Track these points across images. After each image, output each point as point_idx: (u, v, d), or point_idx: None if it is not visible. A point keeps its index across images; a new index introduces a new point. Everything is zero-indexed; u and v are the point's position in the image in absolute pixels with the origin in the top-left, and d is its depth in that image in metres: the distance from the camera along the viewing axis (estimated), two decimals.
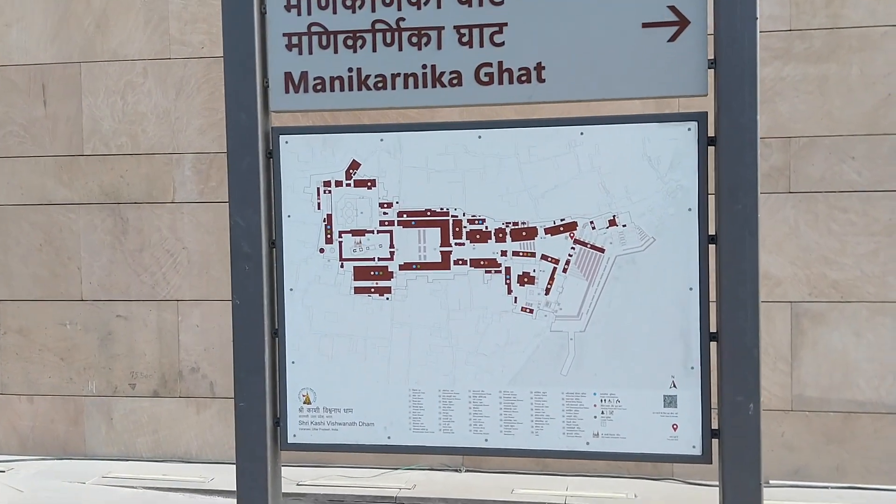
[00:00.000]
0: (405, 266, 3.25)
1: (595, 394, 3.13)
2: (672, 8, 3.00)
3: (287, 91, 3.28)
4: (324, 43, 3.25)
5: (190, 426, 5.96)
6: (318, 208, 3.30)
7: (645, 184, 3.06)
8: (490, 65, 3.14)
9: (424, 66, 3.19)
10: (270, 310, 3.32)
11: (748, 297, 2.95)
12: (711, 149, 3.03)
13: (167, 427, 5.99)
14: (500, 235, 3.17)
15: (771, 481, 5.25)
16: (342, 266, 3.29)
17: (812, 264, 5.27)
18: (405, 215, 3.24)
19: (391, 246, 3.25)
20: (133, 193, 5.96)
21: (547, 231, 3.14)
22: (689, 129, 3.03)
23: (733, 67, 2.93)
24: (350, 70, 3.24)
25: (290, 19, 3.26)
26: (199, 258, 5.90)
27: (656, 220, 3.06)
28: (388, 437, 3.29)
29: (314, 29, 3.25)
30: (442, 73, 3.18)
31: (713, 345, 3.05)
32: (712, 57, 2.99)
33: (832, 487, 5.25)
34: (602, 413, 3.13)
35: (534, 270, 3.16)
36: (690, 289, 3.05)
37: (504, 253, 3.17)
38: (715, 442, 3.06)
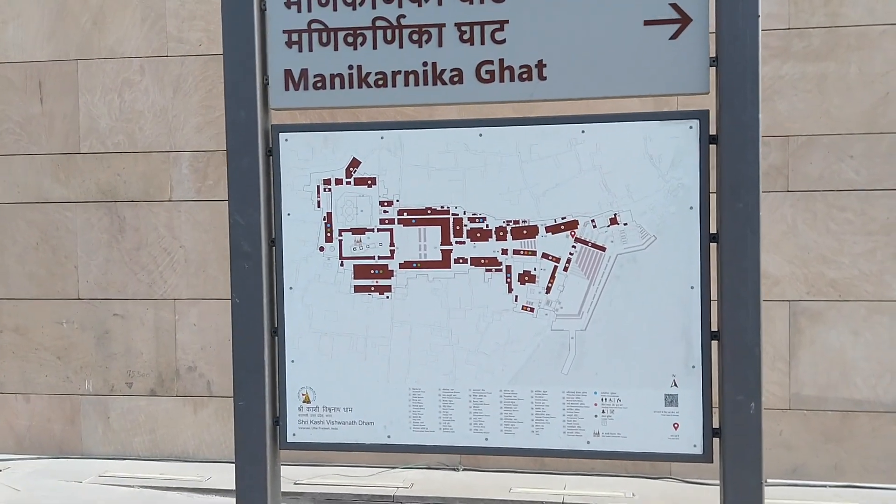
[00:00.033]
0: (405, 265, 3.23)
1: (596, 393, 3.12)
2: (674, 5, 2.99)
3: (287, 88, 3.27)
4: (324, 40, 3.23)
5: (187, 425, 5.95)
6: (318, 206, 3.28)
7: (646, 182, 3.05)
8: (491, 62, 3.13)
9: (425, 64, 3.17)
10: (270, 308, 3.31)
11: (749, 296, 2.95)
12: (713, 147, 3.02)
13: (164, 426, 5.98)
14: (501, 234, 3.16)
15: (769, 480, 5.25)
16: (342, 265, 3.28)
17: (810, 263, 5.27)
18: (405, 213, 3.23)
19: (391, 244, 3.24)
20: (130, 192, 5.94)
21: (548, 229, 3.13)
22: (691, 128, 3.02)
23: (735, 65, 2.92)
24: (350, 67, 3.22)
25: (290, 16, 3.25)
26: (197, 257, 5.88)
27: (657, 218, 3.05)
28: (388, 437, 3.28)
29: (314, 26, 3.24)
30: (443, 71, 3.16)
31: (714, 343, 3.04)
32: (714, 55, 2.98)
33: (830, 486, 5.26)
34: (603, 412, 3.12)
35: (534, 269, 3.15)
36: (692, 287, 3.04)
37: (505, 251, 3.16)
38: (716, 441, 3.06)
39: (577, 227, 3.10)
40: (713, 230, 3.03)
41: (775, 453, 5.28)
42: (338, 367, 3.29)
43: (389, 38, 3.19)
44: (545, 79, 3.09)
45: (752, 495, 2.96)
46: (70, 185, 5.99)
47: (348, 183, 3.26)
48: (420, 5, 3.16)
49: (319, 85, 3.25)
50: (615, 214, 3.08)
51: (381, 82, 3.21)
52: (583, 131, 3.09)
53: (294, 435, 3.34)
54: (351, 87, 3.23)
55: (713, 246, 3.03)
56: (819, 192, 5.25)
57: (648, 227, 3.06)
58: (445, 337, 3.21)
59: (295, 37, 3.25)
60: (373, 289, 3.26)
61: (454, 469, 5.58)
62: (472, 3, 3.11)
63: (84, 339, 6.02)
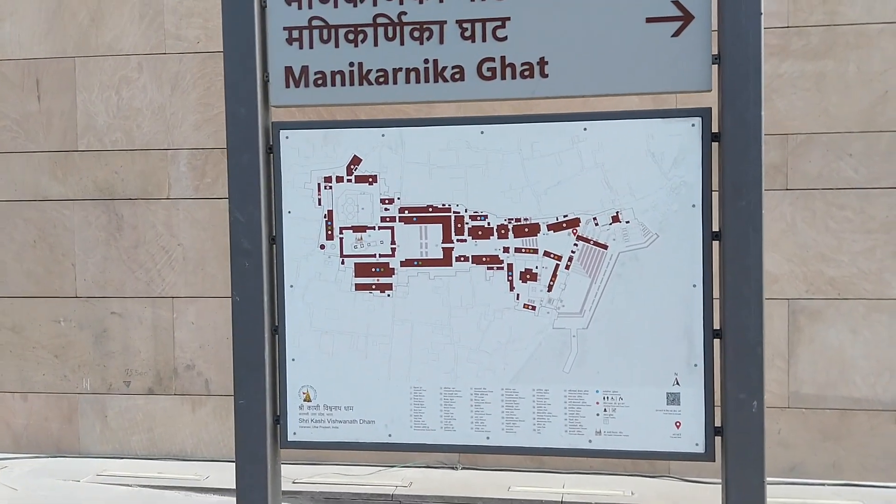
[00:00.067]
0: (406, 263, 3.23)
1: (598, 391, 3.12)
2: (676, 3, 2.98)
3: (287, 86, 3.26)
4: (325, 37, 3.22)
5: (185, 424, 5.93)
6: (319, 204, 3.27)
7: (648, 180, 3.05)
8: (493, 59, 3.12)
9: (426, 61, 3.17)
10: (270, 307, 3.30)
11: (752, 294, 2.94)
12: (715, 145, 3.01)
13: (162, 425, 5.96)
14: (503, 232, 3.15)
15: (767, 478, 5.24)
16: (343, 262, 3.27)
17: (809, 261, 5.27)
18: (407, 211, 3.22)
19: (392, 242, 3.23)
20: (128, 189, 5.92)
21: (550, 227, 3.12)
22: (693, 125, 3.01)
23: (738, 63, 2.92)
24: (351, 65, 3.21)
25: (291, 13, 3.24)
26: (195, 255, 5.87)
27: (660, 216, 3.05)
28: (389, 435, 3.27)
29: (315, 23, 3.23)
30: (444, 68, 3.15)
31: (716, 342, 3.04)
32: (716, 52, 2.98)
33: (828, 484, 5.25)
34: (605, 411, 3.12)
35: (536, 267, 3.14)
36: (694, 286, 3.04)
37: (506, 249, 3.16)
38: (718, 440, 3.05)
39: (578, 225, 3.10)
40: (715, 228, 3.03)
41: (774, 451, 5.27)
42: (339, 366, 3.28)
43: (390, 35, 3.19)
44: (547, 76, 3.09)
45: (755, 494, 2.96)
46: (67, 182, 5.97)
47: (349, 180, 3.25)
48: (421, 2, 3.15)
49: (320, 82, 3.24)
50: (617, 212, 3.07)
51: (382, 79, 3.20)
52: (585, 129, 3.09)
53: (295, 434, 3.33)
54: (352, 84, 3.22)
55: (715, 244, 3.03)
56: (818, 191, 5.25)
57: (650, 225, 3.05)
58: (447, 335, 3.21)
59: (295, 34, 3.24)
60: (374, 287, 3.25)
61: (453, 468, 5.58)
62: (473, 0, 3.10)
63: (82, 337, 6.00)
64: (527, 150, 3.13)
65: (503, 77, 3.12)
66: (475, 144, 3.17)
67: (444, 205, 3.19)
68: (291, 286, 3.30)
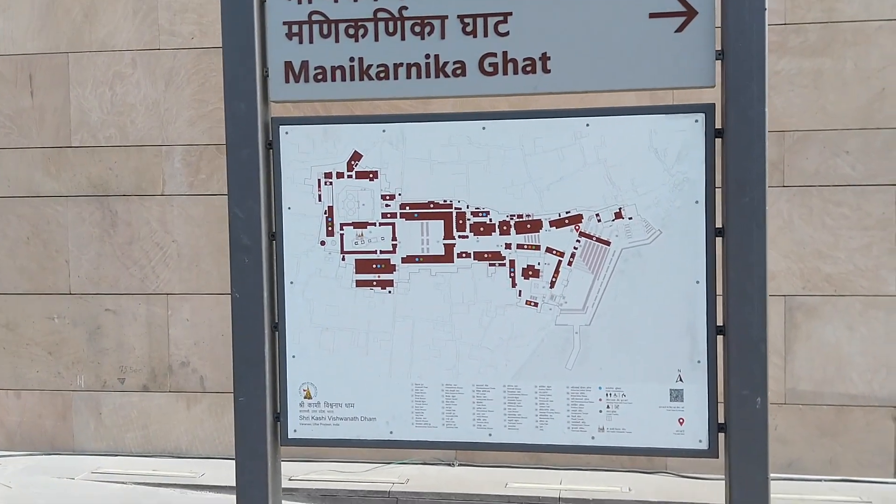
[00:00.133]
0: (408, 259, 3.21)
1: (600, 388, 3.11)
2: None
3: (287, 81, 3.24)
4: (325, 32, 3.20)
5: (180, 421, 5.91)
6: (319, 200, 3.25)
7: (651, 176, 3.04)
8: (494, 55, 3.11)
9: (427, 56, 3.15)
10: (270, 303, 3.28)
11: (755, 291, 2.94)
12: (718, 141, 3.00)
13: (157, 422, 5.93)
14: (505, 228, 3.14)
15: None
16: (343, 259, 3.25)
17: (806, 258, 5.27)
18: (408, 207, 3.20)
19: (393, 238, 3.21)
20: (122, 186, 5.88)
21: (552, 224, 3.11)
22: (697, 121, 3.00)
23: (741, 59, 2.91)
24: (351, 59, 3.19)
25: (291, 7, 3.22)
26: (189, 251, 5.84)
27: (663, 212, 3.04)
28: (391, 432, 3.26)
29: (315, 17, 3.21)
30: (445, 63, 3.14)
31: (720, 338, 3.03)
32: (720, 48, 2.96)
33: (825, 480, 5.26)
34: (608, 407, 3.11)
35: (538, 263, 3.13)
36: (697, 282, 3.03)
37: (508, 246, 3.14)
38: (721, 436, 3.05)
39: (581, 221, 3.09)
40: (719, 224, 3.02)
41: (771, 448, 5.16)
42: (339, 363, 3.27)
43: (391, 29, 3.17)
44: (549, 71, 3.08)
45: (758, 490, 2.96)
46: (61, 178, 5.93)
47: (350, 176, 3.23)
48: None
49: (320, 77, 3.22)
50: (620, 208, 3.06)
51: (382, 75, 3.18)
52: (587, 125, 3.07)
53: (295, 431, 3.31)
54: (352, 79, 3.20)
55: (718, 240, 3.02)
56: (815, 188, 5.25)
57: (653, 222, 3.04)
58: (448, 332, 3.19)
59: (295, 28, 3.22)
60: (375, 283, 3.23)
61: (450, 464, 5.56)
62: None
63: (75, 334, 5.97)
64: (529, 146, 3.12)
65: (505, 72, 3.10)
66: (477, 140, 3.15)
67: (445, 201, 3.17)
68: (291, 283, 3.28)
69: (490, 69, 3.11)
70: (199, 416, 5.87)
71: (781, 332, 5.29)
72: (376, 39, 3.17)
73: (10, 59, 5.94)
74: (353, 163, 3.22)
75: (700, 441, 3.06)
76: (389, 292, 3.23)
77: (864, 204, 5.20)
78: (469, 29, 3.11)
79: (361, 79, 3.19)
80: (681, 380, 3.05)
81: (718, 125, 3.00)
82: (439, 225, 3.18)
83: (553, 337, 3.13)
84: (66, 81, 5.90)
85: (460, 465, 5.56)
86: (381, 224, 3.22)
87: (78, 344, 5.97)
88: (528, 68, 3.08)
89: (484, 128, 3.15)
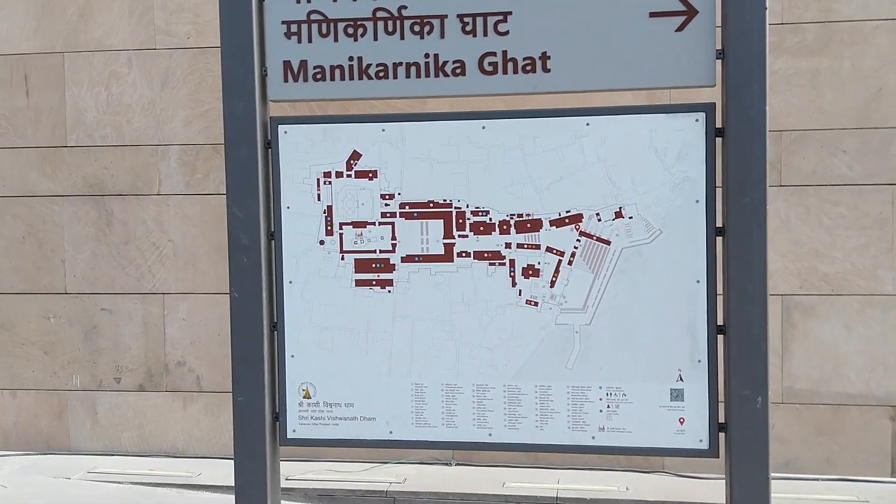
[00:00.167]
0: (407, 258, 3.20)
1: (601, 387, 3.10)
2: None
3: (286, 80, 3.22)
4: (323, 31, 3.19)
5: (176, 420, 5.89)
6: (318, 199, 3.24)
7: (651, 175, 3.03)
8: (494, 54, 3.10)
9: (427, 56, 3.14)
10: (269, 303, 3.27)
11: (756, 290, 2.93)
12: (719, 140, 3.00)
13: (153, 422, 5.92)
14: (505, 227, 3.13)
15: None
16: (343, 258, 3.24)
17: (803, 257, 5.28)
18: (407, 207, 3.19)
19: (393, 238, 3.20)
20: (118, 185, 5.86)
21: (552, 223, 3.10)
22: (697, 121, 3.00)
23: (742, 58, 2.91)
24: (350, 59, 3.18)
25: (289, 7, 3.20)
26: (186, 251, 5.82)
27: (663, 212, 3.03)
28: (391, 432, 3.25)
29: (314, 17, 3.19)
30: (445, 63, 3.13)
31: (720, 338, 3.03)
32: (720, 47, 2.96)
33: (822, 479, 5.27)
34: (608, 407, 3.10)
35: (539, 263, 3.12)
36: (697, 281, 3.02)
37: (508, 245, 3.13)
38: (722, 436, 3.04)
39: (581, 221, 3.08)
40: (719, 224, 3.01)
41: None
42: (339, 362, 3.26)
43: (390, 29, 3.16)
44: (549, 71, 3.07)
45: (759, 490, 2.95)
46: (57, 178, 5.91)
47: (349, 176, 3.22)
48: None
49: (319, 76, 3.21)
50: (620, 208, 3.05)
51: (381, 74, 3.17)
52: (587, 124, 3.07)
53: (294, 431, 3.30)
54: (351, 78, 3.19)
55: (719, 240, 3.02)
56: (812, 187, 5.26)
57: (654, 221, 3.04)
58: (448, 331, 3.18)
59: (294, 28, 3.21)
60: (374, 283, 3.22)
61: (447, 464, 5.56)
62: None
63: (71, 333, 5.95)
64: (529, 146, 3.11)
65: (505, 72, 3.10)
66: (476, 140, 3.14)
67: (445, 200, 3.17)
68: (290, 282, 3.27)
69: (490, 68, 3.10)
70: (196, 416, 5.86)
71: (779, 331, 5.30)
72: (375, 39, 3.16)
73: (5, 59, 5.92)
74: (352, 162, 3.21)
75: (700, 441, 3.06)
76: (389, 292, 3.22)
77: (861, 203, 5.21)
78: (469, 28, 3.10)
79: (360, 78, 3.18)
80: (681, 379, 3.05)
81: (719, 124, 3.00)
82: (439, 224, 3.17)
83: (553, 336, 3.12)
84: (62, 81, 5.88)
85: (458, 464, 5.56)
86: (380, 223, 3.21)
87: (74, 343, 5.95)
88: (528, 68, 3.08)
89: (484, 127, 3.14)
